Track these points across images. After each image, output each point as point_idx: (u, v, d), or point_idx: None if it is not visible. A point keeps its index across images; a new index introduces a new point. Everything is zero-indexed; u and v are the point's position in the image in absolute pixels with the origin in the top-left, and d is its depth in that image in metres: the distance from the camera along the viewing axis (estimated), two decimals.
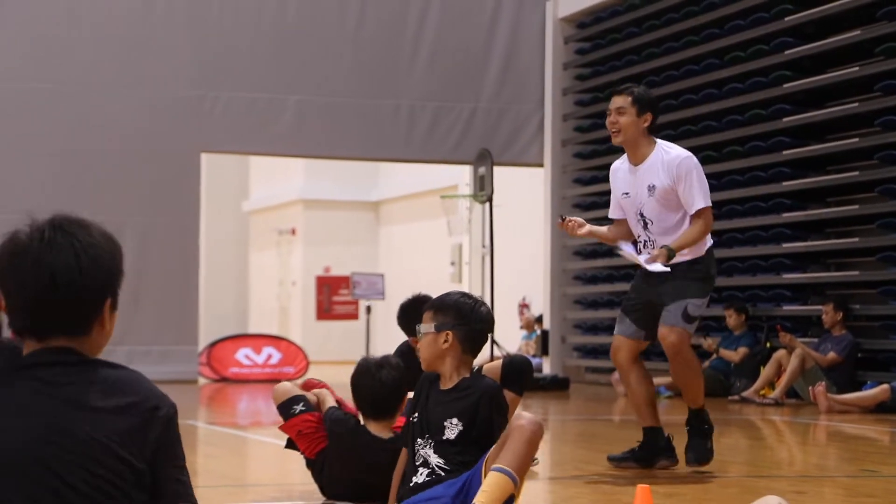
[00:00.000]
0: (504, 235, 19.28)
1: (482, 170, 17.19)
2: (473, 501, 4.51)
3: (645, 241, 7.35)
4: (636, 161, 7.35)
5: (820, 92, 14.34)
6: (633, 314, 7.46)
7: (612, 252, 17.56)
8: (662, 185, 7.20)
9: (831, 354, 13.25)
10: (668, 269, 7.05)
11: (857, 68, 13.68)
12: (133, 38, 17.71)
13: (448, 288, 23.21)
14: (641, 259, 7.17)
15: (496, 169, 17.28)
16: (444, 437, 4.87)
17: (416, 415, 5.00)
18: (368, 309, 19.20)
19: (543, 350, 18.81)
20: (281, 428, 6.35)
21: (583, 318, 18.32)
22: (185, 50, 17.87)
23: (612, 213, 7.63)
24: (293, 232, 29.53)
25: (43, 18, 17.43)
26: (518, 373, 7.18)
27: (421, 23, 18.64)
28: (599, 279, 17.94)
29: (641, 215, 7.31)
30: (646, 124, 7.31)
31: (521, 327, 21.30)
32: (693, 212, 7.17)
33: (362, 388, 5.88)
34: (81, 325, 2.58)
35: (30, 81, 17.38)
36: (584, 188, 18.22)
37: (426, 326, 5.07)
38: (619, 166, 7.51)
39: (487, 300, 18.56)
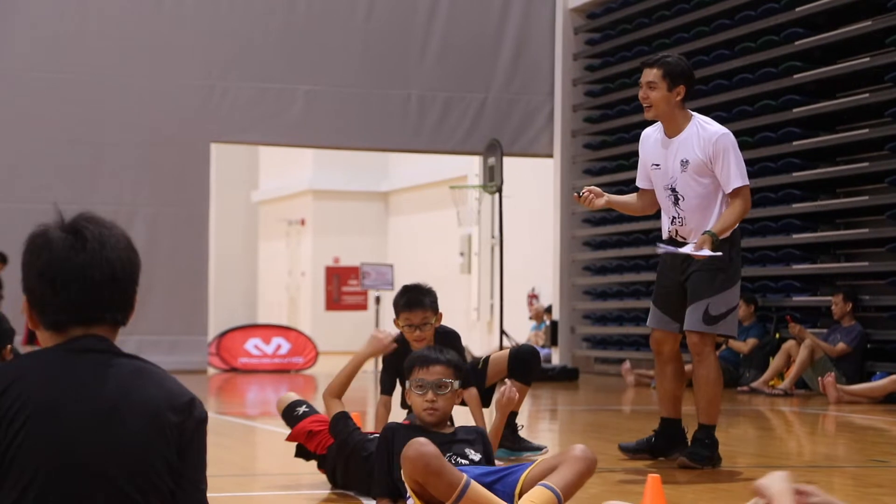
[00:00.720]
0: (513, 226, 19.29)
1: (492, 160, 17.18)
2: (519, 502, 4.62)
3: (674, 218, 7.09)
4: (671, 133, 7.08)
5: (830, 82, 14.31)
6: (664, 306, 7.28)
7: (621, 243, 17.56)
8: (696, 160, 6.96)
9: (840, 345, 13.24)
10: (719, 253, 6.82)
11: (867, 59, 13.65)
12: (143, 28, 17.72)
13: (457, 279, 23.19)
14: (686, 250, 6.91)
15: (506, 159, 17.27)
16: (470, 459, 5.08)
17: None
18: (378, 299, 19.21)
19: (552, 340, 18.81)
20: (289, 438, 6.38)
21: (592, 308, 18.32)
22: (195, 40, 17.87)
23: (640, 181, 7.34)
24: (302, 222, 29.55)
25: (53, 9, 17.44)
26: (524, 363, 7.20)
27: (431, 13, 18.63)
28: (609, 270, 17.93)
29: (673, 190, 7.05)
30: (679, 97, 7.03)
31: (531, 318, 21.30)
32: (730, 190, 6.93)
33: None
34: (127, 314, 2.78)
35: (39, 71, 17.39)
36: (594, 179, 18.19)
37: (456, 383, 5.25)
38: (651, 134, 7.23)
39: (496, 291, 18.55)
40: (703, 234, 6.91)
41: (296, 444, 6.42)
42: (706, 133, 7.00)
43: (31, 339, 16.09)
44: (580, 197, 7.18)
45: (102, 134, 17.59)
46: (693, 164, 6.98)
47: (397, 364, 6.54)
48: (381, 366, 6.90)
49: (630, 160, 15.81)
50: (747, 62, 15.27)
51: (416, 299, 6.78)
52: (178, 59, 17.82)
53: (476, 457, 5.05)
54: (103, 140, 17.59)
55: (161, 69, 17.76)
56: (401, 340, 6.83)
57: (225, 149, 23.78)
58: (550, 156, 18.98)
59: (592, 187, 7.21)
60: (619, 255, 17.55)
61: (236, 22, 18.04)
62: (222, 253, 28.86)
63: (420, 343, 6.73)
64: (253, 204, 31.69)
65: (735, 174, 6.95)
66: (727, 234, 6.96)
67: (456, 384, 5.20)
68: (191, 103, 17.86)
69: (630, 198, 7.50)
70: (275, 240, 30.91)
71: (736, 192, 6.96)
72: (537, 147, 19.04)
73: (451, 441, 5.10)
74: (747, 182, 7.02)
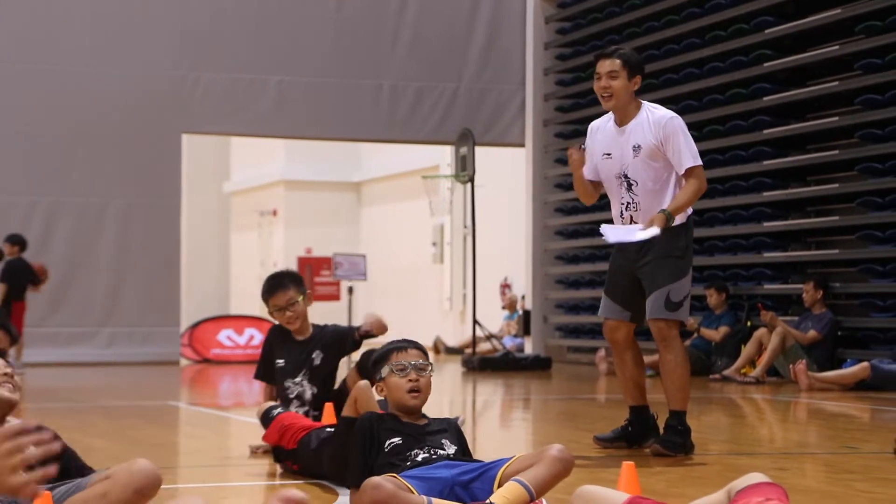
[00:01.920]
0: (486, 216, 19.30)
1: (464, 150, 17.19)
2: (490, 499, 4.60)
3: (628, 204, 7.18)
4: (622, 121, 7.21)
5: (800, 71, 14.37)
6: (615, 294, 7.36)
7: (593, 232, 17.58)
8: (648, 144, 7.08)
9: (812, 332, 13.30)
10: (658, 231, 6.90)
11: (837, 47, 13.71)
12: (114, 18, 17.64)
13: (430, 269, 23.10)
14: (632, 232, 6.99)
15: (478, 149, 17.27)
16: (446, 453, 5.05)
17: (398, 440, 5.03)
18: (350, 290, 19.20)
19: (525, 330, 18.84)
20: (265, 438, 6.45)
21: (564, 297, 18.36)
22: (166, 31, 17.81)
23: (589, 174, 7.36)
24: (274, 213, 29.50)
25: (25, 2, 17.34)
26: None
27: (403, 2, 18.61)
28: (581, 259, 17.97)
29: (626, 177, 7.16)
30: (636, 87, 7.19)
31: (503, 307, 21.33)
32: (683, 171, 7.06)
33: None
34: None
35: (10, 63, 17.30)
36: (566, 168, 18.22)
37: (431, 367, 5.23)
38: (601, 125, 7.32)
39: (469, 281, 18.56)
40: (659, 211, 7.01)
41: (273, 446, 6.47)
42: (655, 117, 7.14)
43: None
44: (578, 149, 7.25)
45: (73, 125, 17.52)
46: (645, 148, 7.10)
47: (273, 353, 6.76)
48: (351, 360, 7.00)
49: None
50: (718, 51, 15.32)
51: (277, 283, 7.03)
52: (149, 50, 17.75)
53: (451, 449, 5.04)
54: (74, 131, 17.51)
55: (132, 60, 17.69)
56: (279, 329, 7.05)
57: (196, 140, 23.73)
58: (522, 145, 19.00)
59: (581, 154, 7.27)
60: (591, 244, 17.58)
61: (207, 12, 17.98)
62: (194, 244, 28.77)
63: (294, 324, 6.93)
64: (225, 195, 31.61)
65: (686, 154, 7.07)
66: (682, 212, 7.07)
67: (432, 368, 5.21)
68: (162, 94, 17.79)
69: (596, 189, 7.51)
70: (247, 231, 30.85)
71: (689, 172, 7.08)
72: (509, 136, 19.05)
73: (427, 433, 5.10)
74: (699, 162, 7.12)
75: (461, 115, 18.69)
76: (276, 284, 7.02)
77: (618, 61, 7.18)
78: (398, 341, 5.37)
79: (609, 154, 7.23)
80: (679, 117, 7.20)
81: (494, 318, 20.72)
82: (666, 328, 7.17)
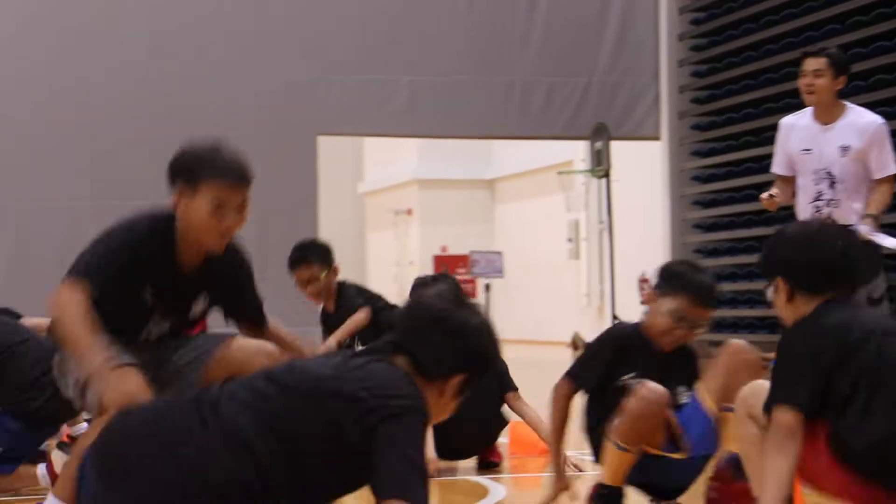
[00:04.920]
0: (622, 210, 19.14)
1: (599, 144, 17.06)
2: None
3: (829, 200, 7.65)
4: (826, 120, 7.69)
5: None
6: None
7: (732, 224, 17.30)
8: (856, 147, 7.58)
9: None
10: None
11: None
12: (246, 25, 17.83)
13: (566, 265, 22.89)
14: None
15: (612, 143, 17.11)
16: None
17: None
18: (487, 287, 19.18)
19: None
20: None
21: None
22: (297, 35, 17.94)
23: (780, 168, 7.91)
24: (409, 212, 29.63)
25: (161, 7, 17.61)
26: None
27: None
28: (720, 252, 17.69)
29: (829, 174, 7.63)
30: (839, 87, 7.65)
31: (642, 302, 21.12)
32: (882, 175, 7.60)
33: None
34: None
35: (152, 71, 17.57)
36: (703, 160, 17.96)
37: None
38: (796, 122, 7.84)
39: (607, 276, 18.39)
40: (866, 217, 7.51)
41: None
42: (864, 121, 7.68)
43: None
44: (770, 199, 7.79)
45: (208, 130, 17.70)
46: (853, 150, 7.62)
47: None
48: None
49: (739, 140, 15.59)
50: (860, 35, 14.95)
51: (299, 256, 6.82)
52: (281, 54, 17.89)
53: None
54: (209, 136, 17.71)
55: (265, 65, 17.84)
56: None
57: (329, 142, 23.91)
58: (658, 138, 18.77)
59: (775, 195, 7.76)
60: (730, 237, 17.30)
61: (337, 15, 18.08)
62: (330, 245, 28.99)
63: (317, 298, 6.80)
64: (359, 195, 31.84)
65: (890, 160, 7.64)
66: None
67: None
68: (297, 98, 17.93)
69: (783, 189, 7.97)
70: (382, 230, 31.04)
71: (885, 179, 7.64)
72: (644, 130, 18.83)
73: None
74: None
75: (594, 109, 18.53)
76: (297, 259, 6.80)
77: (825, 60, 7.65)
78: None
79: (809, 150, 7.73)
80: (885, 123, 7.73)
81: (633, 313, 20.51)
82: None
